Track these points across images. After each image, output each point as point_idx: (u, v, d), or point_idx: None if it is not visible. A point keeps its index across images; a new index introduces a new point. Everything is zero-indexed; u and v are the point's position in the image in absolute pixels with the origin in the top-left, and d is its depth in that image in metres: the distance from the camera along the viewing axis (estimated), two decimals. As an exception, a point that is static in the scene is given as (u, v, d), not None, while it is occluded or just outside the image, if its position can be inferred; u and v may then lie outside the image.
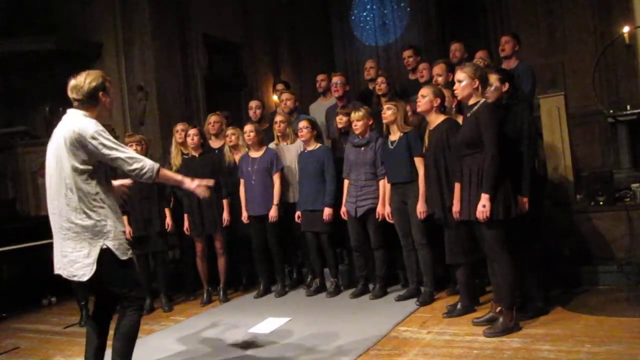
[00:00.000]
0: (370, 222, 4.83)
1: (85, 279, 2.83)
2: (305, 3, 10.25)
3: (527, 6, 8.93)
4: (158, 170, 2.94)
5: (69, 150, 2.81)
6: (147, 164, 2.91)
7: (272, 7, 9.61)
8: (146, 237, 5.22)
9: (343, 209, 4.96)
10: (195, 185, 3.09)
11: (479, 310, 4.12)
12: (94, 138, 2.80)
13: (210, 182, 3.16)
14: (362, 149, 4.85)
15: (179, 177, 3.19)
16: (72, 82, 2.92)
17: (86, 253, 2.82)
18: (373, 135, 4.86)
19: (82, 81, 2.89)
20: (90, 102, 2.91)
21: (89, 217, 2.83)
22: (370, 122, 4.86)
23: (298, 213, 5.21)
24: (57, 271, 2.92)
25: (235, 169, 5.51)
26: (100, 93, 2.92)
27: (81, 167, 2.82)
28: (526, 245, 3.87)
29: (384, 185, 4.73)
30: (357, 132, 4.84)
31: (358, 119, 4.81)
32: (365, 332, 3.95)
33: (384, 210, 4.71)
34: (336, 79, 5.69)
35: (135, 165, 2.88)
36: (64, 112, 2.99)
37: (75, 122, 2.85)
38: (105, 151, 2.83)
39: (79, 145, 2.80)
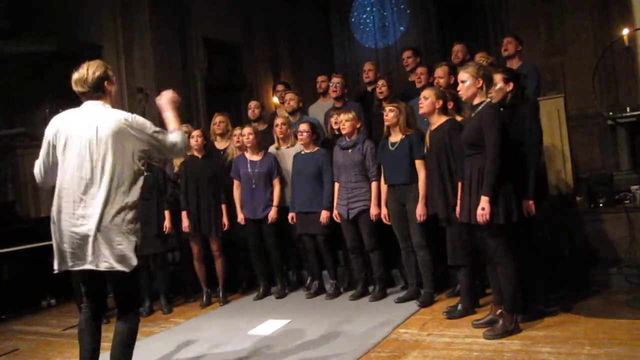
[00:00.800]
0: (363, 224, 4.83)
1: (132, 268, 2.85)
2: (305, 4, 10.26)
3: (526, 8, 8.93)
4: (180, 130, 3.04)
5: (121, 140, 2.80)
6: (178, 134, 3.00)
7: (272, 8, 9.61)
8: (142, 239, 5.19)
9: (335, 212, 4.97)
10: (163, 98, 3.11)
11: (479, 312, 4.12)
12: (151, 133, 2.88)
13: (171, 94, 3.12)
14: (350, 151, 4.87)
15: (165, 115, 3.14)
16: (76, 76, 2.89)
17: (129, 246, 2.85)
18: (360, 137, 4.88)
19: (85, 73, 2.87)
20: (97, 92, 2.89)
21: (131, 207, 2.87)
22: (358, 125, 4.90)
23: (292, 215, 5.21)
24: (79, 267, 2.83)
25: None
26: (106, 82, 2.91)
27: (137, 155, 2.86)
28: (526, 248, 3.86)
29: (377, 187, 4.74)
30: (344, 132, 4.88)
31: (347, 120, 4.84)
32: (365, 334, 3.95)
33: (377, 211, 4.72)
34: (335, 80, 5.70)
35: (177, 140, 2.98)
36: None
37: (114, 113, 2.85)
38: (160, 136, 2.91)
39: (135, 132, 2.83)
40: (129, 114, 2.92)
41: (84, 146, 2.80)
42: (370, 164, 4.78)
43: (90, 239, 2.77)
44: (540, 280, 3.98)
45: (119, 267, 2.81)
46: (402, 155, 4.51)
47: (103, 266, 2.80)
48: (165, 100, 3.09)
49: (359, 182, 4.83)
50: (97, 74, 2.87)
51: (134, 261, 2.85)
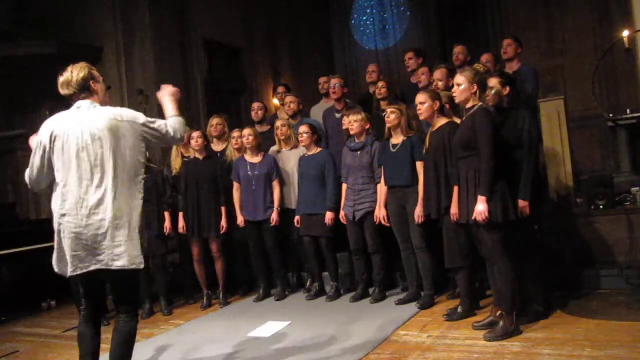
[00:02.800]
0: (368, 225, 4.83)
1: (142, 265, 2.86)
2: (305, 6, 10.27)
3: (527, 10, 8.95)
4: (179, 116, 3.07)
5: (116, 136, 2.80)
6: (176, 120, 3.03)
7: (272, 11, 9.63)
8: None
9: (342, 213, 4.97)
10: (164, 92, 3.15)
11: (480, 314, 4.12)
12: (143, 123, 2.89)
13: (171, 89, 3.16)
14: (359, 152, 4.87)
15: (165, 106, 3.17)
16: (61, 79, 2.92)
17: (136, 242, 2.86)
18: (369, 139, 4.88)
19: (70, 75, 2.90)
20: (84, 93, 2.91)
21: (137, 204, 2.90)
22: (367, 127, 4.89)
23: (297, 217, 5.21)
24: (91, 269, 2.81)
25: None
26: (91, 82, 2.92)
27: (135, 149, 2.87)
28: (527, 249, 3.86)
29: (382, 189, 4.74)
30: (352, 133, 4.89)
31: (356, 120, 4.84)
32: (366, 336, 3.94)
33: (383, 212, 4.72)
34: (335, 81, 5.71)
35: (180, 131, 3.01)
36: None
37: (104, 111, 2.86)
38: (154, 124, 2.93)
39: (128, 126, 2.84)
40: (118, 109, 2.93)
41: (81, 147, 2.80)
42: (377, 166, 4.79)
43: (99, 239, 2.78)
44: (541, 282, 3.98)
45: (129, 266, 2.81)
46: (403, 157, 4.51)
47: (115, 265, 2.80)
48: (166, 93, 3.14)
49: (367, 184, 4.83)
50: (82, 75, 2.90)
51: (142, 259, 2.87)
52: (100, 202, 2.78)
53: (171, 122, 3.01)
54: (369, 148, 4.84)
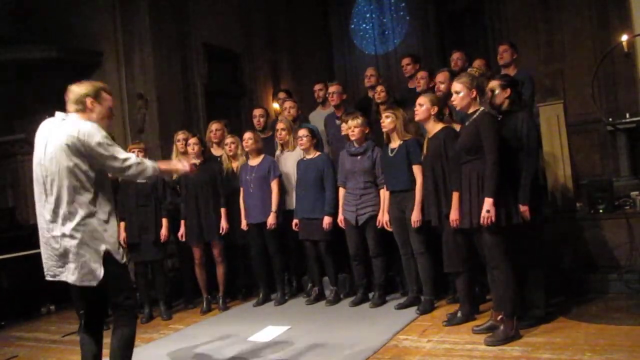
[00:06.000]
0: (370, 230, 4.82)
1: (95, 283, 2.82)
2: (305, 11, 10.29)
3: (526, 15, 8.96)
4: (158, 168, 3.06)
5: (71, 153, 2.79)
6: (148, 164, 3.00)
7: (272, 15, 9.65)
8: (139, 245, 5.20)
9: (340, 217, 4.96)
10: (182, 165, 3.20)
11: (480, 318, 4.11)
12: (99, 144, 2.81)
13: (193, 161, 3.28)
14: (359, 157, 4.87)
15: (172, 163, 3.30)
16: (69, 87, 2.98)
17: (93, 257, 2.82)
18: (369, 143, 4.88)
19: (77, 87, 2.96)
20: (76, 106, 2.93)
21: (92, 220, 2.83)
22: (367, 131, 4.89)
23: (296, 221, 5.21)
24: (58, 278, 2.86)
25: (233, 177, 5.51)
26: (89, 99, 2.93)
27: (84, 169, 2.82)
28: (526, 254, 3.86)
29: (384, 193, 4.74)
30: (352, 138, 4.88)
31: (356, 125, 4.84)
32: (365, 340, 3.93)
33: (386, 217, 4.71)
34: (333, 89, 5.72)
35: (134, 170, 2.93)
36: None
37: (76, 126, 2.83)
38: (108, 158, 2.86)
39: (83, 149, 2.80)
40: (81, 124, 2.84)
41: (40, 161, 2.86)
42: (379, 171, 4.79)
43: (57, 253, 2.82)
44: (541, 286, 3.97)
45: (84, 282, 2.81)
46: (400, 161, 4.52)
47: (71, 279, 2.81)
48: (181, 167, 3.21)
49: (368, 188, 4.83)
50: (84, 91, 2.93)
51: (100, 272, 2.82)
52: (53, 219, 2.82)
53: (133, 157, 2.95)
54: (370, 153, 4.84)
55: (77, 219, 2.80)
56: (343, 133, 5.14)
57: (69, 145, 2.78)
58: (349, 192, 4.92)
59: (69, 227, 2.79)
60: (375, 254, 4.86)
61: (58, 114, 2.95)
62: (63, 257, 2.82)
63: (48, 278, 2.90)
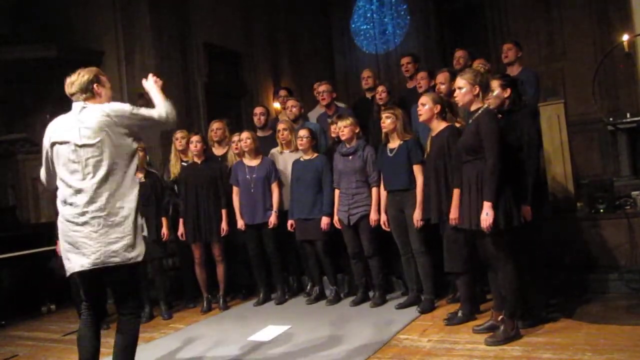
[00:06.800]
0: (363, 229, 4.83)
1: (140, 258, 2.92)
2: (305, 11, 10.29)
3: (526, 14, 8.97)
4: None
5: (106, 133, 2.86)
6: (165, 105, 3.13)
7: (272, 14, 9.65)
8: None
9: (336, 218, 4.97)
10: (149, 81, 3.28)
11: (480, 318, 4.11)
12: (132, 114, 2.95)
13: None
14: (350, 157, 4.88)
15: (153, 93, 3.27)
16: (68, 80, 3.01)
17: (133, 238, 2.91)
18: (360, 143, 4.89)
19: (76, 77, 3.00)
20: (85, 94, 2.97)
21: (132, 199, 2.94)
22: (357, 130, 4.90)
23: (291, 222, 5.20)
24: (94, 265, 2.83)
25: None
26: (95, 85, 2.99)
27: (127, 149, 2.93)
28: (527, 254, 3.85)
29: (377, 193, 4.75)
30: (343, 138, 4.90)
31: (345, 126, 4.85)
32: (366, 340, 3.94)
33: (376, 216, 4.72)
34: (322, 88, 5.72)
35: (169, 115, 3.11)
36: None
37: (93, 110, 2.90)
38: (141, 111, 2.99)
39: (120, 122, 2.89)
40: (106, 105, 2.96)
41: (72, 150, 2.88)
42: (371, 170, 4.79)
43: (94, 236, 2.82)
44: (541, 286, 3.97)
45: (126, 261, 2.86)
46: (400, 160, 4.52)
47: (113, 261, 2.84)
48: (151, 81, 3.28)
49: (360, 188, 4.83)
50: (86, 77, 2.99)
51: (137, 253, 2.91)
52: (91, 201, 2.84)
53: (159, 107, 3.09)
54: (361, 152, 4.85)
55: (122, 200, 2.88)
56: (333, 134, 5.15)
57: (107, 125, 2.86)
58: (342, 192, 4.93)
59: (117, 205, 2.86)
60: (370, 254, 4.86)
61: (75, 104, 2.98)
62: (109, 237, 2.84)
63: (95, 266, 2.85)
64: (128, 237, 2.88)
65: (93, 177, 2.85)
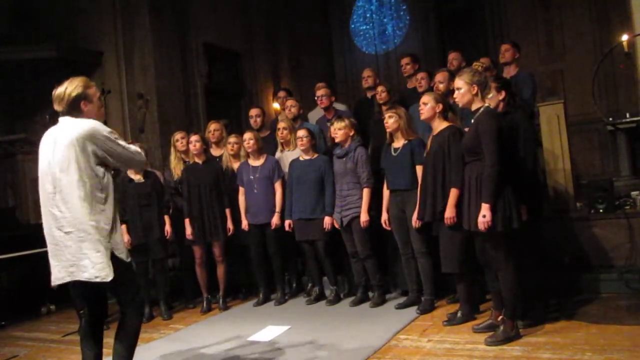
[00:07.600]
0: (355, 231, 4.84)
1: (109, 278, 2.81)
2: (305, 11, 10.29)
3: (526, 15, 8.97)
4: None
5: (81, 151, 2.80)
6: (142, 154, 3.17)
7: (272, 15, 9.64)
8: (146, 245, 5.22)
9: (333, 219, 4.99)
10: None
11: (479, 318, 4.11)
12: (107, 138, 2.86)
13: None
14: (343, 159, 4.90)
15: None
16: (54, 93, 2.93)
17: (103, 254, 2.81)
18: (352, 145, 4.90)
19: (63, 92, 2.90)
20: (73, 112, 2.91)
21: (100, 217, 2.84)
22: (352, 133, 4.91)
23: (289, 222, 5.20)
24: (65, 279, 2.85)
25: (233, 177, 5.51)
26: (82, 102, 2.91)
27: (94, 167, 2.83)
28: (526, 254, 3.85)
29: (368, 193, 4.78)
30: (337, 140, 4.93)
31: (339, 128, 4.88)
32: (365, 340, 3.94)
33: (366, 217, 4.75)
34: (320, 92, 5.72)
35: (139, 156, 3.07)
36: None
37: (75, 127, 2.84)
38: (118, 149, 2.90)
39: (93, 144, 2.81)
40: (85, 123, 2.87)
41: (47, 164, 2.86)
42: (361, 171, 4.79)
43: (67, 251, 2.82)
44: (541, 286, 3.97)
45: (94, 279, 2.80)
46: (403, 160, 4.52)
47: (83, 277, 2.80)
48: None
49: (351, 189, 4.86)
50: (74, 93, 2.89)
51: (107, 272, 2.82)
52: (62, 216, 2.80)
53: (135, 147, 3.11)
54: (352, 153, 4.86)
55: (88, 217, 2.80)
56: (331, 136, 5.15)
57: (79, 146, 2.79)
58: (337, 193, 4.95)
59: (85, 222, 2.79)
60: (364, 256, 4.87)
61: (62, 119, 2.93)
62: (78, 253, 2.81)
63: (60, 282, 2.88)
64: (96, 253, 2.83)
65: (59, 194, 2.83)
